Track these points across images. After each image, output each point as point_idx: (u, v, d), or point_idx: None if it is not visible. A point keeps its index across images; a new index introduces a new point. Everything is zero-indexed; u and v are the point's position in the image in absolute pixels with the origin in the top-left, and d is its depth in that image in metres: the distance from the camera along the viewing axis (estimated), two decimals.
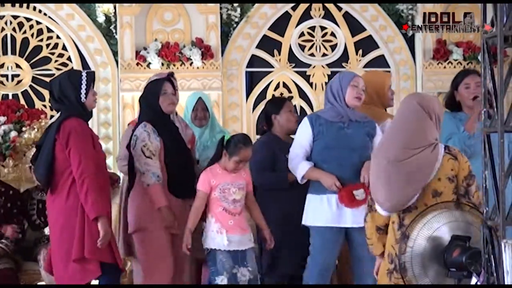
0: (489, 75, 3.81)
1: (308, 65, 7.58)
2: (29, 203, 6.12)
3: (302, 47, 7.61)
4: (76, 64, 7.30)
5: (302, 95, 7.57)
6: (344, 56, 7.62)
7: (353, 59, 7.60)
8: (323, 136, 5.17)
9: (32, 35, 7.35)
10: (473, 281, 3.85)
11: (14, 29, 7.35)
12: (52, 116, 7.18)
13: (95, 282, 4.96)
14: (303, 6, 7.57)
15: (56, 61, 7.36)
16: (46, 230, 6.02)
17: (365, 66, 7.48)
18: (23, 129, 6.70)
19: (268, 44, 7.57)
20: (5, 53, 7.34)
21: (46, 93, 7.30)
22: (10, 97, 7.27)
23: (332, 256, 5.17)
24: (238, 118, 7.44)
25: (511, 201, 3.90)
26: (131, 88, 7.18)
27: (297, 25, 7.59)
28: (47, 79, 7.30)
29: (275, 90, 7.53)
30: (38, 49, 7.36)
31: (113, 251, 4.80)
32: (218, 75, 7.30)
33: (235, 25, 7.47)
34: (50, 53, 7.37)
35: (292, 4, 7.56)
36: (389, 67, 7.55)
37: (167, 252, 5.03)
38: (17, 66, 7.36)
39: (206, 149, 5.85)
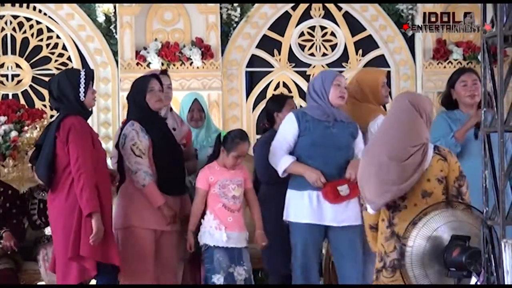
0: (489, 75, 3.81)
1: (308, 65, 7.58)
2: (30, 202, 6.11)
3: (302, 47, 7.61)
4: (76, 64, 7.30)
5: (302, 95, 7.56)
6: (344, 56, 7.62)
7: (353, 59, 7.60)
8: (310, 133, 5.17)
9: (32, 35, 7.35)
10: (473, 281, 3.85)
11: (14, 29, 7.35)
12: (52, 116, 7.18)
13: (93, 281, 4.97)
14: (303, 6, 7.57)
15: (56, 61, 7.36)
16: (46, 230, 6.01)
17: (365, 66, 7.47)
18: (24, 129, 6.70)
19: (268, 44, 7.57)
20: (5, 53, 7.34)
21: (46, 93, 7.29)
22: (10, 97, 7.27)
23: (313, 254, 5.13)
24: (238, 118, 7.44)
25: (511, 201, 3.91)
26: None
27: (297, 25, 7.60)
28: (47, 79, 7.25)
29: (275, 89, 7.53)
30: (38, 49, 7.36)
31: (109, 250, 4.79)
32: (218, 75, 7.30)
33: (235, 25, 7.47)
34: (50, 53, 7.37)
35: (292, 4, 7.56)
36: (389, 67, 7.55)
37: (149, 254, 5.02)
38: (17, 66, 7.36)
39: (202, 149, 5.85)
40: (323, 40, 7.62)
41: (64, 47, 7.37)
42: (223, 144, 5.20)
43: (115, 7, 7.27)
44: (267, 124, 5.85)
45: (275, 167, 5.21)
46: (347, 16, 7.60)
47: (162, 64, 7.19)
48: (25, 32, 7.35)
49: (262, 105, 7.39)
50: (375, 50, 7.62)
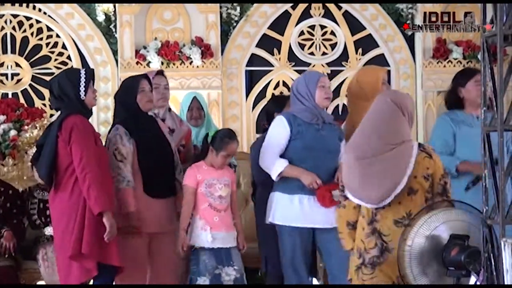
0: (489, 74, 3.81)
1: (308, 64, 7.58)
2: (30, 201, 6.11)
3: (302, 46, 7.61)
4: (76, 63, 7.30)
5: None
6: (344, 55, 7.62)
7: (353, 58, 7.60)
8: (302, 136, 5.16)
9: (32, 34, 7.35)
10: (473, 280, 3.85)
11: (14, 28, 7.35)
12: (52, 115, 7.17)
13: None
14: (302, 5, 7.57)
15: (55, 60, 7.36)
16: (46, 230, 6.02)
17: (365, 65, 7.47)
18: (23, 128, 6.71)
19: (268, 43, 7.57)
20: (4, 52, 7.34)
21: (45, 92, 7.30)
22: (10, 96, 7.27)
23: (302, 255, 5.12)
24: (238, 117, 7.44)
25: (510, 200, 3.90)
26: None
27: (297, 24, 7.59)
28: (47, 78, 7.30)
29: (274, 89, 7.53)
30: (37, 48, 7.36)
31: (109, 250, 4.78)
32: (218, 74, 7.30)
33: (235, 24, 7.47)
34: (50, 52, 7.37)
35: (292, 3, 7.56)
36: (389, 66, 7.54)
37: (141, 257, 5.01)
38: (17, 65, 7.36)
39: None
40: (323, 39, 7.62)
41: (64, 46, 7.37)
42: (212, 143, 5.19)
43: (114, 6, 7.27)
44: (266, 125, 5.85)
45: (268, 170, 5.18)
46: (347, 15, 7.60)
47: (162, 63, 7.18)
48: (25, 31, 7.35)
49: (262, 104, 7.39)
50: (375, 49, 7.61)
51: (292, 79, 7.56)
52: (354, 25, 7.60)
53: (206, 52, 7.25)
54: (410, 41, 7.59)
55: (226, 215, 5.18)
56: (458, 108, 5.52)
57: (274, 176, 5.16)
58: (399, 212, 4.15)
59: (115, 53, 7.30)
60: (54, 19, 7.32)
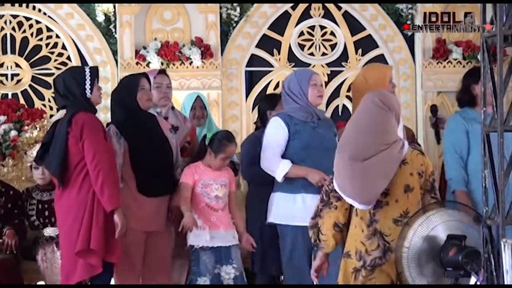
0: (489, 75, 3.81)
1: (308, 65, 7.57)
2: (29, 203, 6.11)
3: (301, 47, 7.61)
4: (75, 63, 7.29)
5: None
6: (344, 56, 7.61)
7: (353, 58, 7.59)
8: (300, 136, 5.16)
9: (31, 35, 7.35)
10: (472, 280, 3.85)
11: (13, 29, 7.34)
12: (52, 116, 7.18)
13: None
14: (302, 6, 7.57)
15: (55, 60, 7.36)
16: (45, 231, 6.02)
17: (364, 66, 7.46)
18: (23, 128, 6.70)
19: (267, 44, 7.57)
20: (4, 52, 7.33)
21: (45, 92, 7.30)
22: (10, 96, 7.26)
23: (304, 255, 5.12)
24: (237, 118, 7.43)
25: (510, 201, 3.91)
26: None
27: (297, 24, 7.59)
28: (47, 79, 7.31)
29: (274, 89, 7.52)
30: (37, 48, 7.36)
31: (113, 248, 4.78)
32: (218, 74, 7.30)
33: (234, 24, 7.47)
34: (50, 52, 7.36)
35: (292, 4, 7.56)
36: None
37: (136, 255, 5.01)
38: (17, 65, 7.35)
39: None
40: (323, 40, 7.62)
41: (63, 47, 7.37)
42: (210, 145, 5.20)
43: (114, 7, 7.27)
44: (259, 123, 5.85)
45: (271, 173, 5.18)
46: (346, 15, 7.60)
47: (162, 63, 7.18)
48: (24, 31, 7.34)
49: None
50: (375, 50, 7.61)
51: None
52: (354, 25, 7.60)
53: (206, 52, 7.25)
54: (410, 42, 7.59)
55: (224, 214, 5.19)
56: (470, 106, 5.53)
57: (279, 178, 5.16)
58: (397, 210, 4.14)
59: (114, 53, 7.29)
60: (54, 20, 7.32)
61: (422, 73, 7.47)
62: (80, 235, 4.70)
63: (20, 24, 7.34)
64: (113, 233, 4.76)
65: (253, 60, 7.56)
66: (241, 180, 6.32)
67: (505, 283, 3.68)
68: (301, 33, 7.61)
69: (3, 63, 7.33)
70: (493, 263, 3.75)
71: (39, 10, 7.32)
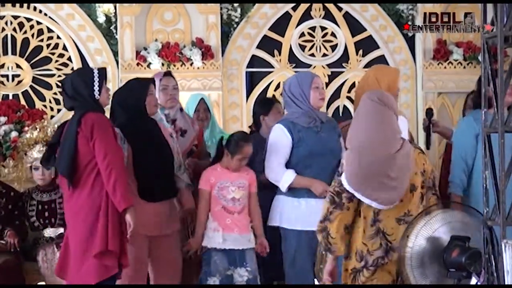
0: (489, 76, 3.81)
1: (309, 65, 7.57)
2: (29, 204, 6.11)
3: (302, 47, 7.61)
4: (76, 64, 7.29)
5: None
6: (345, 56, 7.61)
7: (353, 59, 7.59)
8: (305, 143, 5.15)
9: (32, 35, 7.35)
10: (473, 281, 3.85)
11: (14, 29, 7.34)
12: (52, 116, 7.18)
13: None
14: (303, 6, 7.57)
15: (56, 61, 7.36)
16: (45, 231, 6.02)
17: (365, 67, 7.46)
18: (24, 129, 6.71)
19: (268, 44, 7.57)
20: (5, 53, 7.33)
21: (46, 93, 7.31)
22: (11, 97, 7.26)
23: (308, 259, 5.10)
24: (238, 118, 7.43)
25: (511, 201, 3.91)
26: None
27: (298, 25, 7.59)
28: (48, 79, 7.31)
29: (275, 90, 7.53)
30: (38, 49, 7.36)
31: (124, 249, 4.77)
32: (219, 75, 7.30)
33: (235, 25, 7.47)
34: (51, 53, 7.36)
35: (293, 4, 7.56)
36: None
37: (141, 259, 5.01)
38: (18, 66, 7.35)
39: (207, 149, 5.86)
40: (324, 41, 7.62)
41: (64, 48, 7.37)
42: (227, 147, 5.22)
43: (115, 7, 7.27)
44: (254, 127, 5.85)
45: (276, 183, 5.19)
46: (347, 16, 7.60)
47: (163, 64, 7.18)
48: (25, 32, 7.34)
49: None
50: (376, 51, 7.61)
51: None
52: (355, 26, 7.60)
53: (206, 53, 7.25)
54: (411, 42, 7.59)
55: (241, 217, 5.20)
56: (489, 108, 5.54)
57: (283, 189, 5.17)
58: (401, 209, 4.15)
59: (115, 54, 7.29)
60: (55, 20, 7.32)
61: (422, 74, 7.47)
62: (98, 237, 4.66)
63: (21, 25, 7.34)
64: (124, 234, 4.75)
65: (254, 61, 7.56)
66: None
67: (506, 283, 3.68)
68: (302, 34, 7.61)
69: (3, 64, 7.33)
70: (493, 264, 3.75)
71: (40, 11, 7.32)
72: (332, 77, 7.56)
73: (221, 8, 7.37)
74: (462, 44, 7.47)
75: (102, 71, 4.95)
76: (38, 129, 6.61)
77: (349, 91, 7.54)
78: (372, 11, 7.57)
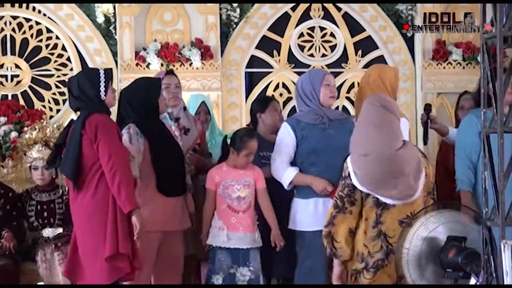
0: (488, 76, 3.81)
1: (308, 66, 7.57)
2: (28, 204, 6.11)
3: (301, 48, 7.61)
4: (75, 65, 7.29)
5: None
6: (344, 57, 7.61)
7: (353, 59, 7.59)
8: (308, 140, 5.15)
9: (31, 36, 7.35)
10: (472, 281, 3.85)
11: (13, 30, 7.34)
12: (51, 117, 7.18)
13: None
14: (302, 7, 7.57)
15: (55, 61, 7.36)
16: (44, 232, 6.02)
17: (364, 67, 7.46)
18: (24, 129, 6.70)
19: (267, 45, 7.57)
20: (4, 53, 7.33)
21: (45, 93, 7.31)
22: (10, 97, 7.26)
23: (320, 260, 5.06)
24: (237, 119, 7.43)
25: (510, 202, 3.90)
26: None
27: (297, 25, 7.59)
28: (47, 80, 7.31)
29: (274, 90, 7.53)
30: (37, 49, 7.36)
31: (134, 250, 4.75)
32: (218, 75, 7.30)
33: (234, 26, 7.47)
34: (50, 54, 7.36)
35: (292, 5, 7.56)
36: None
37: (149, 257, 5.00)
38: (17, 66, 7.35)
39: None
40: (323, 41, 7.62)
41: (63, 48, 7.36)
42: (232, 145, 5.24)
43: (114, 8, 7.27)
44: (251, 125, 5.86)
45: (279, 180, 5.21)
46: (346, 16, 7.60)
47: (162, 65, 7.18)
48: (24, 32, 7.34)
49: None
50: (375, 51, 7.61)
51: (292, 81, 7.57)
52: (354, 26, 7.60)
53: (205, 53, 7.25)
54: (410, 43, 7.59)
55: (246, 216, 5.21)
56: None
57: (285, 186, 5.18)
58: (404, 212, 4.15)
59: (114, 54, 7.29)
60: (54, 21, 7.31)
61: (422, 74, 7.47)
62: (108, 240, 4.64)
63: (20, 25, 7.34)
64: (133, 235, 4.73)
65: (253, 61, 7.56)
66: None
67: (505, 284, 3.67)
68: (301, 34, 7.61)
69: (3, 64, 7.33)
70: (493, 264, 3.74)
71: (39, 11, 7.32)
72: None
73: (220, 9, 7.37)
74: (461, 44, 7.47)
75: (108, 72, 4.94)
76: (37, 129, 6.61)
77: (348, 92, 7.54)
78: (371, 12, 7.58)
